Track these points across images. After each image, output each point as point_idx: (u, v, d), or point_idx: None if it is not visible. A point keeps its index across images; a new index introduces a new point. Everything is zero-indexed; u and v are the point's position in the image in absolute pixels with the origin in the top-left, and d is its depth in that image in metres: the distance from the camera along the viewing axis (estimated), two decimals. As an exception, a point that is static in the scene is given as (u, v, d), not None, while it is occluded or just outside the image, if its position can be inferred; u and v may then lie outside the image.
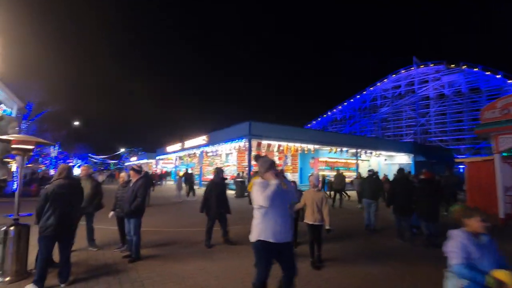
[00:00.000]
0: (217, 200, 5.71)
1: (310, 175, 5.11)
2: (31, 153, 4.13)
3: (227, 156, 25.10)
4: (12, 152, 3.90)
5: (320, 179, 5.41)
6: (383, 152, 24.66)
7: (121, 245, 5.30)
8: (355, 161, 22.87)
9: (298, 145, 19.15)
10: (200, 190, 20.63)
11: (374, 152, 23.61)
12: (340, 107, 60.35)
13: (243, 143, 17.63)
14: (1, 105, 6.77)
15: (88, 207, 5.25)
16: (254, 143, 17.25)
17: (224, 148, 20.18)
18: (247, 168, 19.37)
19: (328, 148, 20.91)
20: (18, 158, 3.94)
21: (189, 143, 26.67)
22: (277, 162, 21.81)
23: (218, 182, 6.00)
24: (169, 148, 32.87)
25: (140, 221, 4.71)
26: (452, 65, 44.91)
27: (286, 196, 2.82)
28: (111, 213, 5.25)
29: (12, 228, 3.75)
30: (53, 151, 28.75)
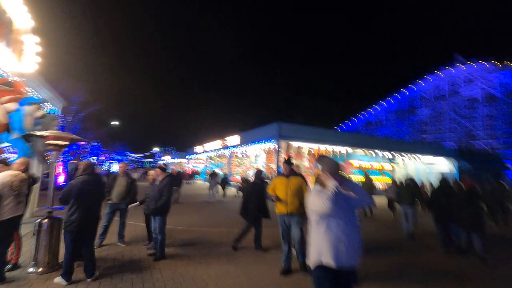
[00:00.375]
0: (257, 202, 5.46)
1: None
2: (66, 148, 4.24)
3: (256, 157, 25.10)
4: (48, 147, 4.03)
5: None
6: (423, 157, 22.98)
7: (147, 243, 5.32)
8: (391, 166, 21.55)
9: (329, 147, 18.47)
10: (228, 191, 20.78)
11: (412, 157, 22.07)
12: (373, 109, 57.67)
13: (272, 145, 17.38)
14: (46, 103, 7.13)
15: (122, 203, 5.35)
16: (284, 144, 16.92)
17: (253, 149, 20.08)
18: (275, 170, 19.17)
19: (361, 151, 19.92)
20: (53, 153, 4.07)
21: (218, 143, 27.04)
22: (307, 165, 21.27)
23: (259, 184, 5.71)
24: (199, 148, 33.62)
25: (165, 220, 4.67)
26: (505, 62, 40.57)
27: (351, 205, 2.22)
28: (132, 205, 5.34)
29: (45, 220, 3.86)
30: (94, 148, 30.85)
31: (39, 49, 4.92)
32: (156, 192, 4.51)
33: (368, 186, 11.92)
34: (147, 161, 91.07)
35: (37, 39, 4.81)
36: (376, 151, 20.42)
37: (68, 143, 4.10)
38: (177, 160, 48.35)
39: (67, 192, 3.47)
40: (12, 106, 4.62)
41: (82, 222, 3.44)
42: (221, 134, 26.89)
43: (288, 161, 4.34)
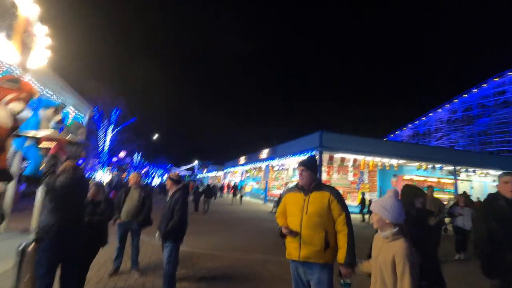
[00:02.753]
0: None
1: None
2: (64, 155, 3.44)
3: (294, 170, 23.62)
4: (41, 152, 3.24)
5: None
6: (492, 171, 19.54)
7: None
8: (452, 181, 18.60)
9: (377, 159, 16.41)
10: (265, 206, 19.50)
11: (480, 171, 18.87)
12: (424, 118, 52.75)
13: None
14: (70, 107, 6.64)
15: (133, 222, 4.43)
16: (326, 156, 15.34)
17: (291, 161, 18.69)
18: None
19: (416, 163, 17.43)
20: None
21: (254, 156, 26.16)
22: (351, 179, 19.25)
23: None
24: (235, 162, 33.04)
25: (178, 247, 3.60)
26: None
27: None
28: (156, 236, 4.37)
29: (31, 246, 3.00)
30: (135, 160, 31.89)
31: (49, 41, 4.31)
32: (167, 209, 3.48)
33: (437, 207, 9.71)
34: (186, 175, 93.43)
35: (45, 29, 4.19)
36: (434, 163, 17.74)
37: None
38: (213, 173, 48.44)
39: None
40: (18, 106, 4.00)
41: (60, 228, 2.63)
42: (258, 146, 26.04)
43: (307, 162, 2.50)
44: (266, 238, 7.98)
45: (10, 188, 5.53)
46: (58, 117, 5.27)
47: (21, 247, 3.02)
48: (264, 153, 23.71)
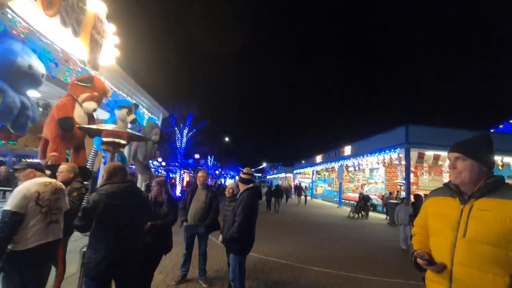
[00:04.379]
0: None
1: None
2: (122, 150, 3.20)
3: (372, 171, 21.22)
4: (102, 147, 3.04)
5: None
6: None
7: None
8: None
9: (485, 157, 13.20)
10: (340, 210, 17.86)
11: None
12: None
13: (395, 154, 13.76)
14: (143, 109, 6.82)
15: (199, 225, 4.02)
16: (414, 154, 13.07)
17: (369, 161, 16.66)
18: (401, 186, 15.19)
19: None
20: (108, 155, 3.06)
21: (326, 156, 24.58)
22: (446, 181, 16.11)
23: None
24: (306, 162, 31.80)
25: (243, 260, 2.97)
26: None
27: None
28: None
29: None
30: (209, 163, 33.68)
31: (117, 40, 4.26)
32: (231, 213, 2.87)
33: None
34: (257, 176, 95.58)
35: (113, 27, 4.14)
36: None
37: (126, 142, 3.01)
38: (282, 175, 48.03)
39: (85, 212, 2.20)
40: (92, 105, 4.03)
41: (112, 259, 2.13)
42: (331, 145, 24.40)
43: (467, 146, 1.45)
44: (350, 248, 6.87)
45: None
46: (132, 116, 5.31)
47: (85, 249, 2.84)
48: (338, 152, 21.99)
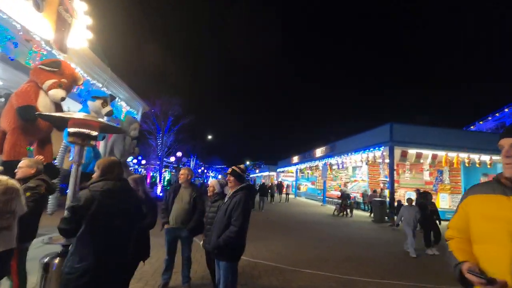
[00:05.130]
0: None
1: None
2: (93, 143, 2.77)
3: (354, 169, 21.45)
4: (68, 139, 2.60)
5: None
6: None
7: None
8: None
9: (463, 155, 13.62)
10: (324, 208, 17.86)
11: None
12: (507, 110, 44.35)
13: (379, 153, 13.88)
14: (121, 102, 6.28)
15: (182, 228, 3.64)
16: (397, 152, 13.22)
17: (353, 159, 16.76)
18: (384, 184, 15.38)
19: None
20: (76, 148, 2.62)
21: (309, 154, 24.66)
22: (426, 179, 16.52)
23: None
24: (289, 160, 31.80)
25: (235, 267, 2.65)
26: None
27: None
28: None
29: (56, 260, 2.35)
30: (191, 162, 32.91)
31: (89, 21, 3.79)
32: (222, 215, 2.53)
33: None
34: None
35: (84, 6, 3.66)
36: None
37: (96, 133, 2.59)
38: (266, 173, 47.91)
39: (74, 212, 1.80)
40: (58, 93, 3.54)
41: (99, 271, 1.76)
42: (314, 143, 24.48)
43: None
44: (337, 248, 6.71)
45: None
46: (108, 108, 4.81)
47: (45, 260, 2.40)
48: (321, 150, 22.08)
